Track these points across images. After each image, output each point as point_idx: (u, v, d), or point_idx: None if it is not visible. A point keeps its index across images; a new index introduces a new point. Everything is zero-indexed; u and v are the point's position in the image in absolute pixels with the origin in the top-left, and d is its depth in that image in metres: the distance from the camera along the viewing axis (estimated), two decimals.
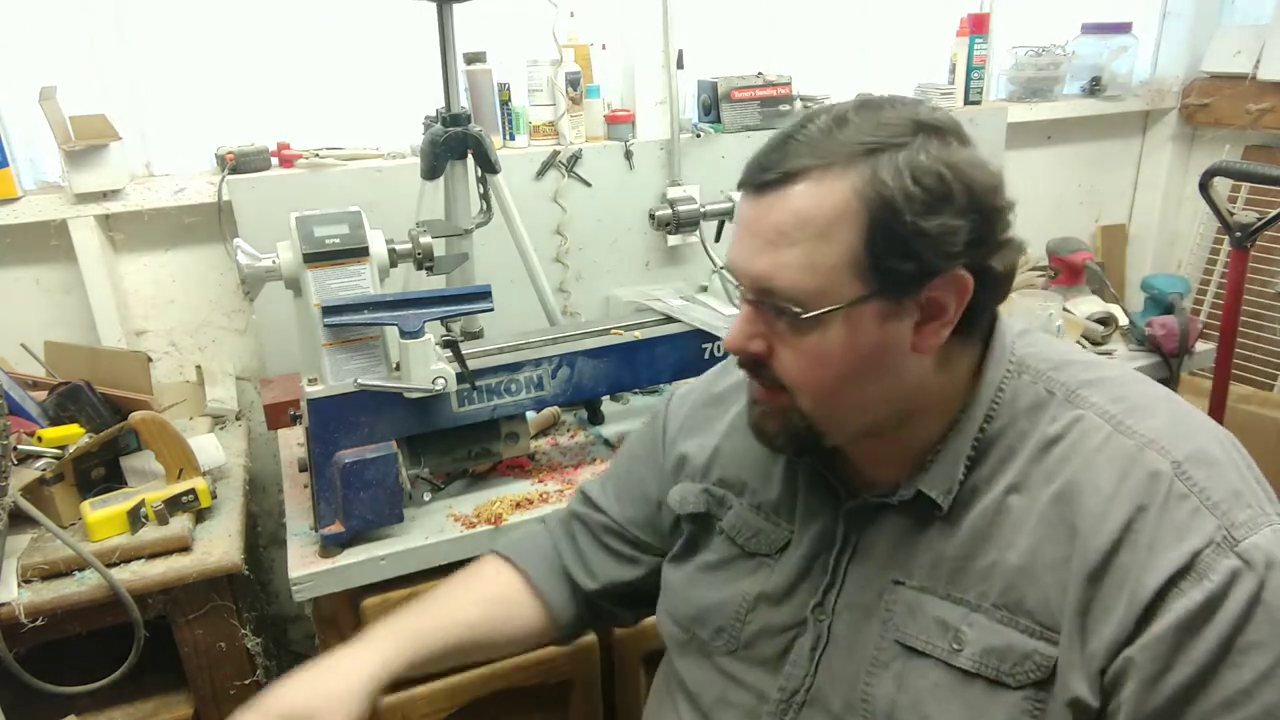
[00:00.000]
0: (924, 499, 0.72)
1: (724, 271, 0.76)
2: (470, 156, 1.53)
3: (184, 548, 1.28)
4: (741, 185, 0.69)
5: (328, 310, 1.17)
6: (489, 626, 0.95)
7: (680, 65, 1.92)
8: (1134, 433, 0.67)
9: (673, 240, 2.03)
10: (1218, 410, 1.89)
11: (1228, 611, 0.59)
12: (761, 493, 0.85)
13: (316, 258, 1.17)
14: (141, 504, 1.28)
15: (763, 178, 0.66)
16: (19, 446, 1.29)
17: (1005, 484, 0.69)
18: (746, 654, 0.82)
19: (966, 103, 2.28)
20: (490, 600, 0.98)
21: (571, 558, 1.01)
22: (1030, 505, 0.68)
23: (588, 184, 1.92)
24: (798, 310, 0.65)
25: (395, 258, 1.27)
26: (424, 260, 1.30)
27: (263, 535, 1.87)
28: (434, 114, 1.54)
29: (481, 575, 1.01)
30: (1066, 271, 2.08)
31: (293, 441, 1.59)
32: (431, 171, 1.51)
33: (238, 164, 1.67)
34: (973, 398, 0.72)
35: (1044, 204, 2.59)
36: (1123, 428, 0.67)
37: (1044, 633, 0.65)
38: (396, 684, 1.30)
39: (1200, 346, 1.90)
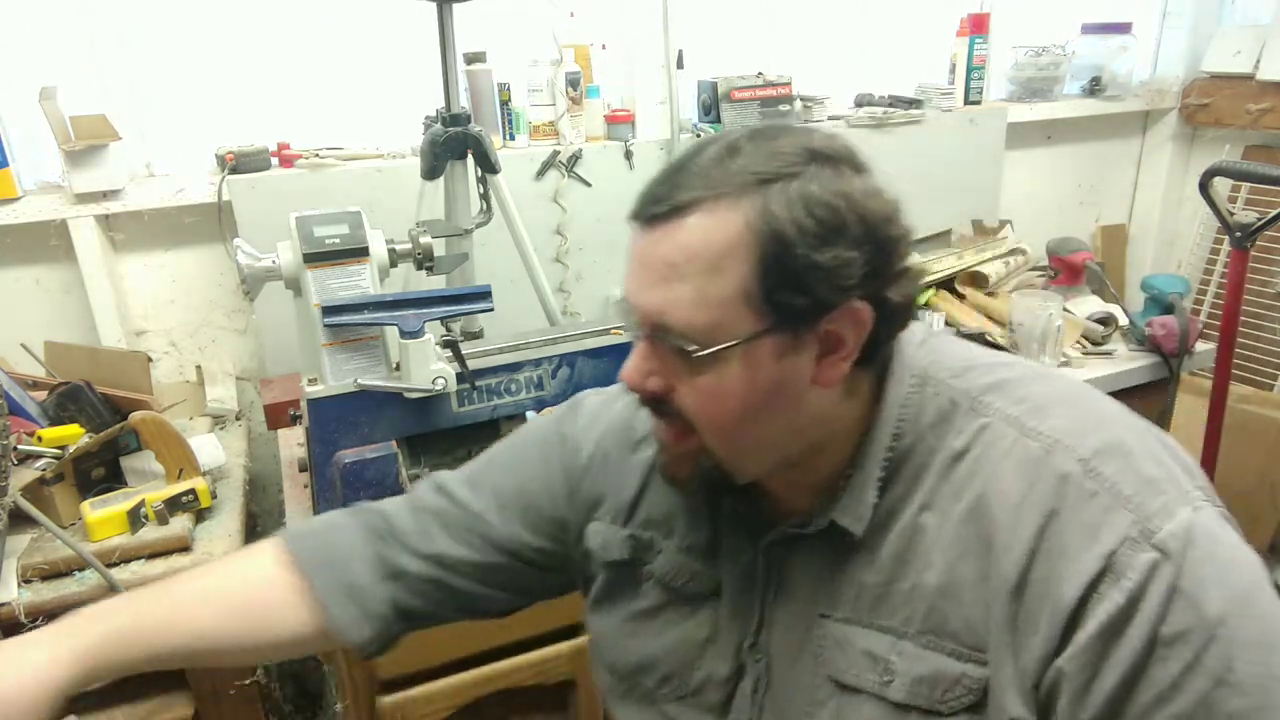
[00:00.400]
0: (836, 529, 0.69)
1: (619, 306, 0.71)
2: (470, 156, 1.54)
3: (184, 548, 1.28)
4: (632, 217, 0.65)
5: (328, 310, 1.17)
6: (231, 639, 0.81)
7: (680, 65, 1.92)
8: (1039, 434, 0.65)
9: None
10: (1218, 410, 1.89)
11: (1148, 606, 0.58)
12: (690, 534, 0.80)
13: (316, 258, 1.17)
14: (141, 504, 1.28)
15: (652, 210, 0.63)
16: (19, 446, 1.29)
17: (918, 503, 0.68)
18: (694, 700, 0.79)
19: (966, 103, 2.28)
20: (243, 608, 0.83)
21: (394, 539, 0.86)
22: (943, 523, 0.66)
23: (588, 184, 1.92)
24: (692, 348, 0.63)
25: (395, 258, 1.27)
26: (424, 260, 1.30)
27: (263, 535, 1.85)
28: (434, 114, 1.54)
29: (246, 573, 0.86)
30: (1066, 271, 2.08)
31: (293, 441, 1.59)
32: (431, 171, 1.51)
33: (238, 164, 1.67)
34: (876, 419, 0.69)
35: (1044, 204, 2.59)
36: (1027, 430, 0.65)
37: (971, 654, 0.64)
38: (396, 684, 1.31)
39: (1200, 346, 1.90)
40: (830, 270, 0.61)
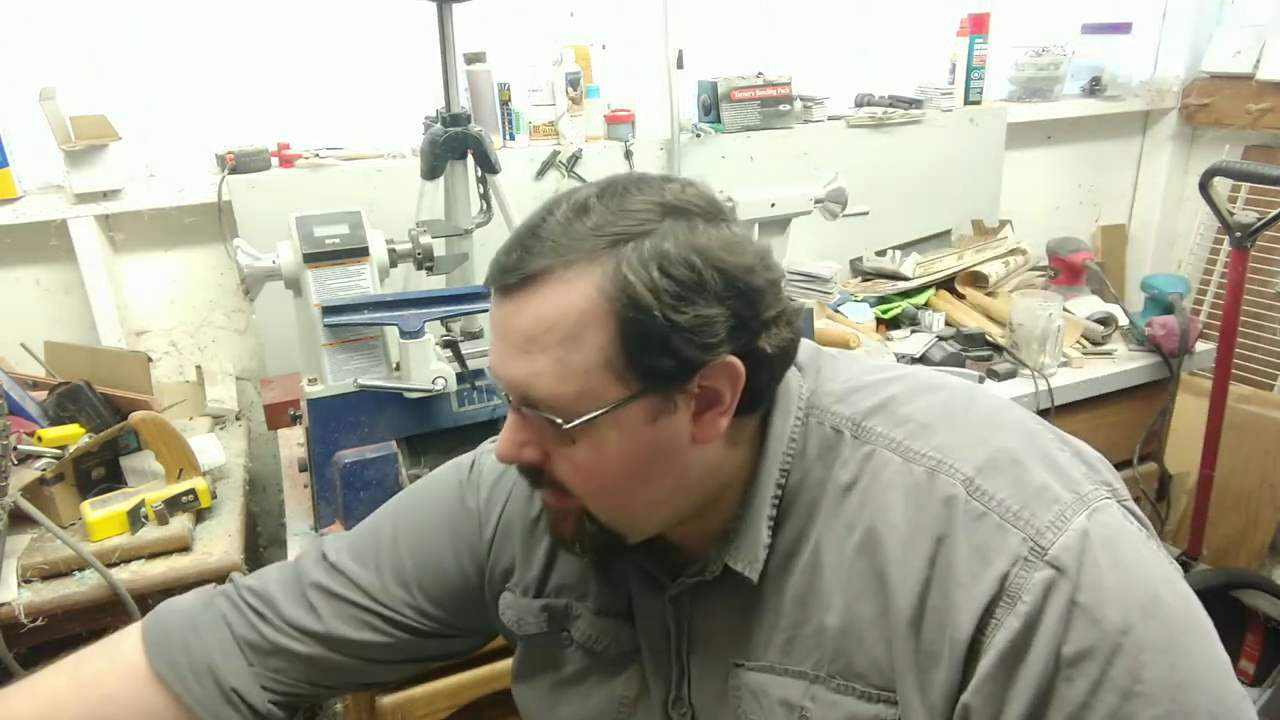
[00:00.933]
0: (734, 575, 0.67)
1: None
2: (470, 156, 1.54)
3: (184, 548, 1.28)
4: (487, 283, 0.63)
5: (328, 310, 1.17)
6: None
7: (680, 65, 1.92)
8: (923, 456, 0.63)
9: None
10: (1218, 410, 1.89)
11: (1046, 629, 0.55)
12: (605, 595, 0.78)
13: (316, 258, 1.17)
14: (141, 504, 1.28)
15: (504, 281, 0.61)
16: (19, 446, 1.29)
17: (814, 540, 0.66)
18: None
19: (966, 103, 2.28)
20: (98, 699, 0.75)
21: (274, 619, 0.80)
22: (839, 560, 0.64)
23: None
24: (559, 420, 0.60)
25: (395, 258, 1.27)
26: (424, 260, 1.30)
27: (263, 535, 1.87)
28: (434, 114, 1.54)
29: (97, 663, 0.78)
30: (1066, 271, 2.08)
31: (293, 441, 1.59)
32: (431, 171, 1.51)
33: (238, 164, 1.67)
34: (763, 458, 0.67)
35: (1044, 204, 2.59)
36: (911, 454, 0.63)
37: (880, 694, 0.62)
38: (395, 684, 1.30)
39: (1200, 346, 1.90)
40: (692, 330, 0.59)
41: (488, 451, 0.88)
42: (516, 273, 0.60)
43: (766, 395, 0.66)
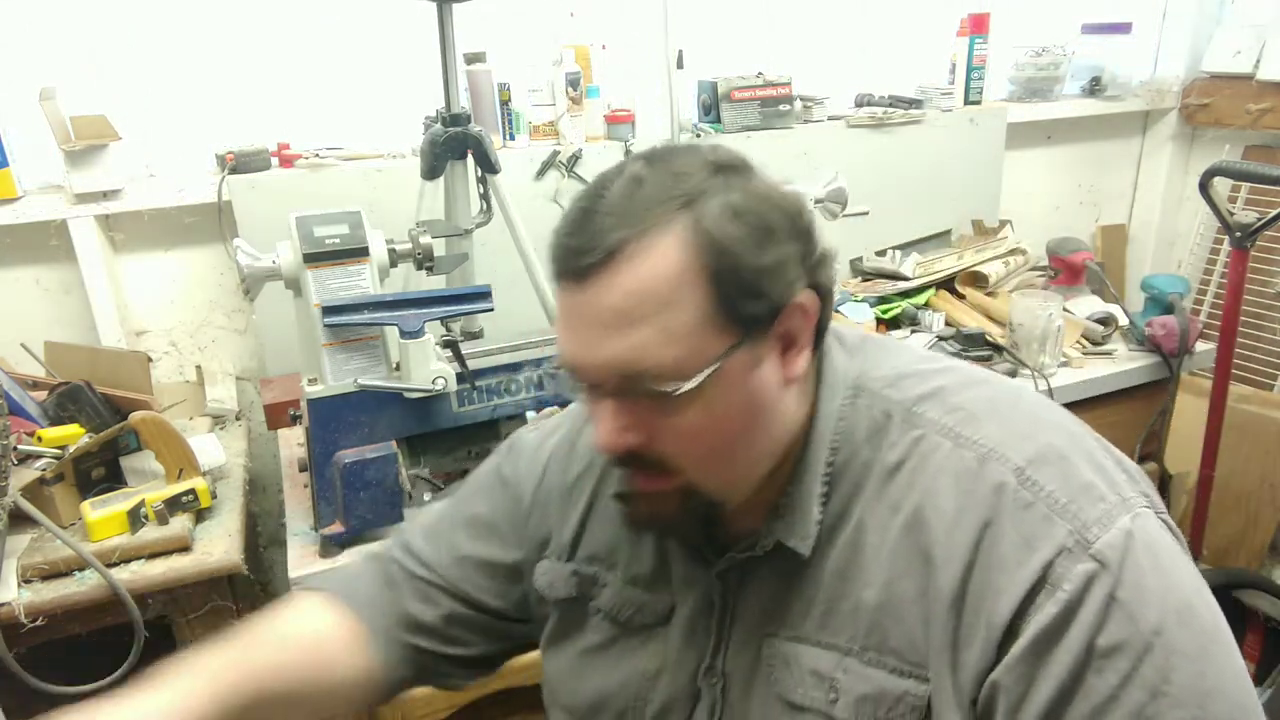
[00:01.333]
0: (784, 549, 0.68)
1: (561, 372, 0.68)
2: (470, 156, 1.54)
3: (184, 548, 1.28)
4: (557, 275, 0.63)
5: (328, 310, 1.17)
6: (305, 677, 0.78)
7: (680, 65, 1.92)
8: (973, 443, 0.64)
9: None
10: (1218, 410, 1.89)
11: (1084, 618, 0.57)
12: (635, 565, 0.78)
13: (316, 258, 1.17)
14: (141, 504, 1.28)
15: (581, 262, 0.60)
16: (19, 446, 1.29)
17: (857, 518, 0.67)
18: None
19: (966, 103, 2.28)
20: (311, 645, 0.80)
21: (402, 604, 0.86)
22: (882, 538, 0.65)
23: (587, 184, 1.92)
24: (671, 388, 0.60)
25: (395, 258, 1.27)
26: (424, 260, 1.30)
27: (263, 535, 1.87)
28: (434, 114, 1.54)
29: (300, 616, 0.83)
30: (1066, 271, 2.08)
31: (293, 441, 1.59)
32: (431, 171, 1.51)
33: (238, 164, 1.67)
34: (813, 433, 0.68)
35: (1044, 204, 2.59)
36: (962, 440, 0.64)
37: (913, 671, 0.63)
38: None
39: (1200, 346, 1.90)
40: (774, 270, 0.61)
41: (524, 431, 0.91)
42: (594, 251, 0.59)
43: (825, 333, 0.69)
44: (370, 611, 0.83)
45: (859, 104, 2.23)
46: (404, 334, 1.20)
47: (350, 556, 1.22)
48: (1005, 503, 0.61)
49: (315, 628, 0.81)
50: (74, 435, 1.37)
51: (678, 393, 0.60)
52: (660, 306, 0.59)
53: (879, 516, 0.66)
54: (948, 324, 1.91)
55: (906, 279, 2.04)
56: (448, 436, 1.33)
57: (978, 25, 2.21)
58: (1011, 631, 0.59)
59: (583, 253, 0.60)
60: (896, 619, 0.64)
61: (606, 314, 0.60)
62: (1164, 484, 2.01)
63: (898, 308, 1.96)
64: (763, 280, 0.61)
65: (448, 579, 0.85)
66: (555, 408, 1.59)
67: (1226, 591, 1.86)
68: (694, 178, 0.61)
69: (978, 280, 2.04)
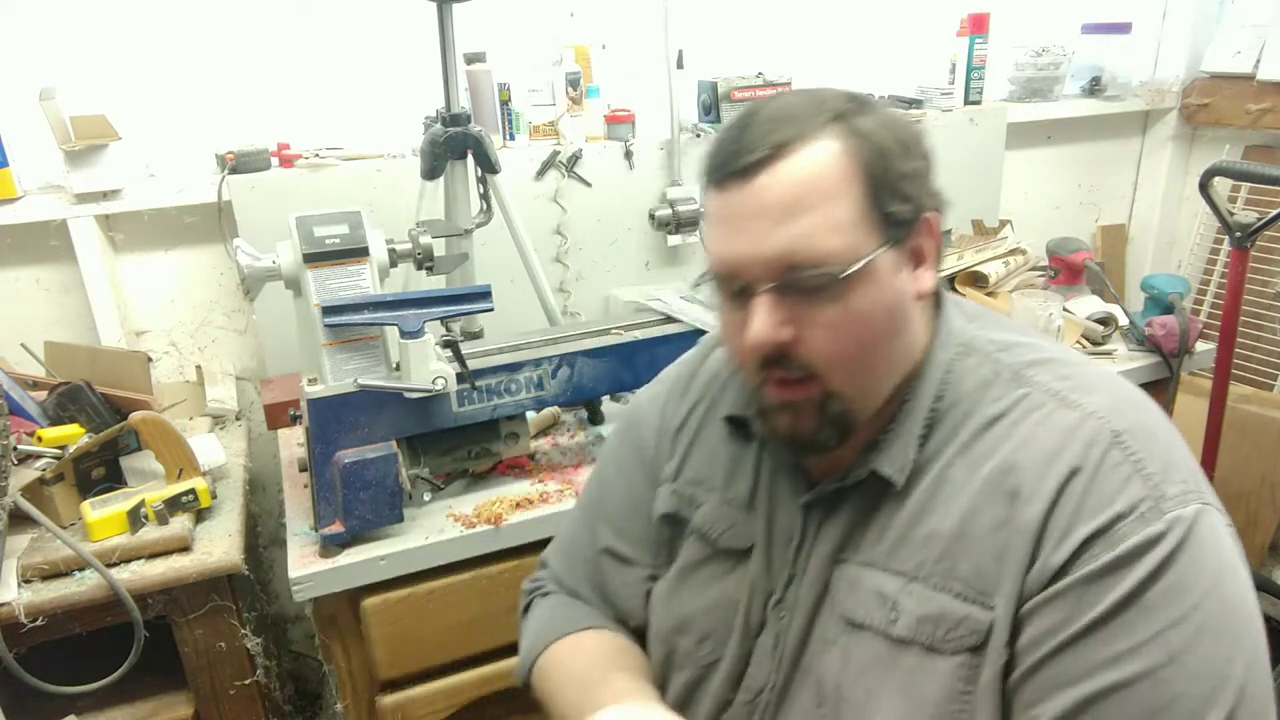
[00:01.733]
0: (876, 479, 0.72)
1: (707, 279, 0.73)
2: (470, 156, 1.54)
3: (184, 548, 1.28)
4: (718, 177, 0.68)
5: (328, 310, 1.17)
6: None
7: (680, 65, 1.92)
8: (1077, 406, 0.67)
9: (673, 240, 2.03)
10: (1217, 410, 1.89)
11: (1135, 573, 0.60)
12: (733, 486, 0.84)
13: (316, 258, 1.17)
14: (141, 504, 1.28)
15: (749, 159, 0.65)
16: (19, 446, 1.29)
17: (947, 458, 0.71)
18: (724, 660, 0.80)
19: (966, 103, 2.28)
20: (622, 654, 0.89)
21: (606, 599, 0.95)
22: (970, 477, 0.69)
23: (588, 184, 1.92)
24: (835, 271, 0.65)
25: (395, 258, 1.27)
26: (424, 260, 1.30)
27: (263, 535, 1.87)
28: (434, 114, 1.54)
29: (597, 648, 0.90)
30: (1066, 271, 2.08)
31: (293, 441, 1.59)
32: (431, 171, 1.51)
33: (238, 164, 1.67)
34: (921, 380, 0.73)
35: (1044, 204, 2.59)
36: (1066, 401, 0.68)
37: (977, 597, 0.66)
38: (396, 684, 1.31)
39: (1200, 346, 1.90)
40: (917, 178, 0.68)
41: (637, 395, 0.99)
42: (760, 149, 0.65)
43: (942, 255, 0.75)
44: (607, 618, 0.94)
45: None
46: (404, 334, 1.20)
47: (350, 557, 1.22)
48: (1094, 455, 0.64)
49: (609, 647, 0.90)
50: (74, 435, 1.37)
51: (843, 275, 0.65)
52: (824, 197, 0.65)
53: (971, 458, 0.70)
54: None
55: None
56: (448, 436, 1.33)
57: (978, 25, 2.21)
58: (1061, 572, 0.62)
59: (748, 151, 0.65)
60: (969, 548, 0.67)
61: (775, 205, 0.65)
62: None
63: None
64: (908, 185, 0.67)
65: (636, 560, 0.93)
66: (556, 408, 1.59)
67: None
68: (837, 101, 0.68)
69: (978, 280, 2.04)
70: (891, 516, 0.72)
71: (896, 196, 0.67)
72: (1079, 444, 0.65)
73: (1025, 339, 0.75)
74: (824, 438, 0.72)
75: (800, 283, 0.65)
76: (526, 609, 1.02)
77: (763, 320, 0.67)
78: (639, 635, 0.92)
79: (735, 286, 0.69)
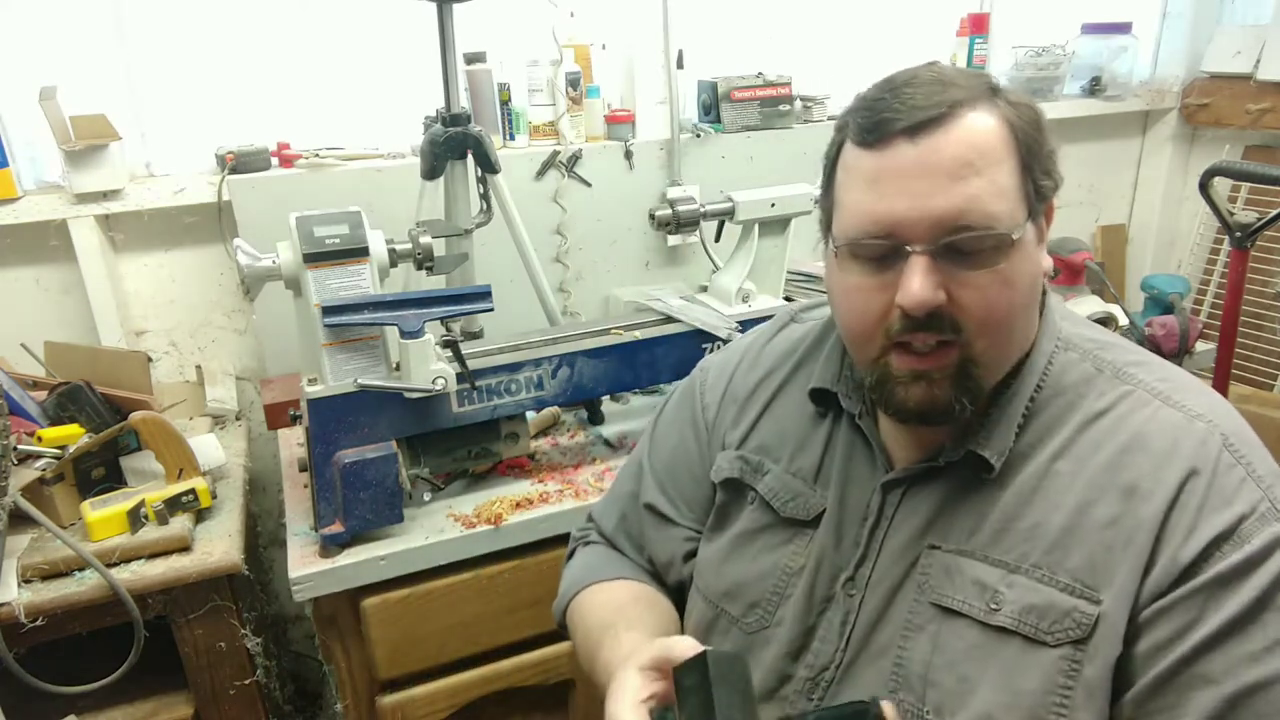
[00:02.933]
0: (969, 464, 0.72)
1: (857, 239, 0.69)
2: (470, 156, 1.53)
3: (184, 548, 1.28)
4: (876, 135, 0.67)
5: (328, 310, 1.17)
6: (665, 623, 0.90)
7: (680, 65, 1.92)
8: (1182, 406, 0.69)
9: (673, 240, 2.03)
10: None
11: (1265, 572, 0.61)
12: (800, 458, 0.84)
13: (316, 258, 1.17)
14: (141, 504, 1.28)
15: (920, 116, 0.65)
16: (19, 446, 1.29)
17: (1050, 451, 0.71)
18: (776, 631, 0.81)
19: None
20: (664, 613, 0.92)
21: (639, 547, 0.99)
22: (1078, 470, 0.69)
23: (588, 184, 1.92)
24: (1006, 232, 0.66)
25: (395, 258, 1.27)
26: (424, 260, 1.30)
27: (263, 535, 1.87)
28: (434, 114, 1.54)
29: (617, 592, 0.94)
30: (1066, 271, 2.08)
31: (293, 441, 1.59)
32: (431, 171, 1.51)
33: (238, 164, 1.67)
34: (1026, 366, 0.74)
35: None
36: (1171, 402, 0.70)
37: (1085, 591, 0.66)
38: (396, 684, 1.31)
39: (1200, 346, 1.90)
40: (1053, 157, 0.71)
41: (710, 358, 1.00)
42: (932, 108, 0.65)
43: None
44: (636, 569, 0.98)
45: None
46: (404, 334, 1.20)
47: (350, 557, 1.22)
48: (1211, 456, 0.66)
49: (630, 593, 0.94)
50: (74, 435, 1.36)
51: (1014, 236, 0.66)
52: (992, 162, 0.66)
53: (1077, 452, 0.70)
54: None
55: None
56: (448, 436, 1.33)
57: (978, 25, 2.21)
58: (1191, 570, 0.63)
59: (918, 109, 0.65)
60: (1080, 542, 0.67)
61: (948, 163, 0.65)
62: None
63: None
64: (1050, 161, 0.70)
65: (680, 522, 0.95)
66: (556, 408, 1.59)
67: None
68: (987, 77, 0.70)
69: None
70: (987, 505, 0.72)
71: (1042, 171, 0.69)
72: (1193, 443, 0.66)
73: (1118, 340, 0.77)
74: (959, 407, 0.70)
75: (967, 244, 0.65)
76: (571, 554, 1.05)
77: (920, 282, 0.66)
78: (677, 591, 0.95)
79: (883, 249, 0.68)
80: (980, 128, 0.66)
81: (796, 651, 0.79)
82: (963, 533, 0.72)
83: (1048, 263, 0.74)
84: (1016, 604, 0.68)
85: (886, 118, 0.66)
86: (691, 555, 0.93)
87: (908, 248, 0.66)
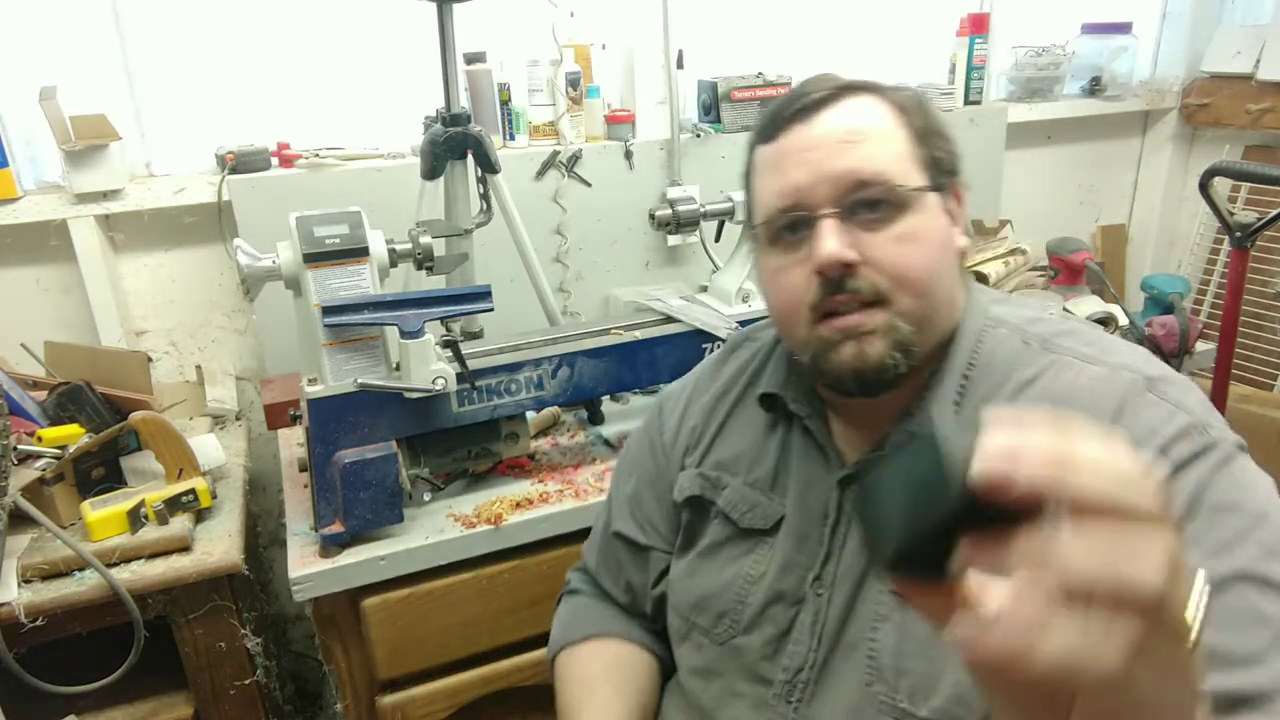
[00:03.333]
0: None
1: (769, 219, 0.76)
2: (470, 156, 1.53)
3: (184, 548, 1.28)
4: (774, 127, 0.75)
5: (328, 310, 1.17)
6: (642, 700, 0.93)
7: (680, 65, 1.92)
8: (1105, 362, 0.72)
9: (673, 240, 2.03)
10: (1218, 410, 1.89)
11: (1191, 475, 0.64)
12: (756, 469, 0.86)
13: (316, 258, 1.17)
14: (141, 504, 1.28)
15: (812, 98, 0.73)
16: (19, 446, 1.29)
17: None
18: (746, 639, 0.82)
19: (966, 103, 2.28)
20: (627, 682, 0.95)
21: (625, 588, 1.01)
22: None
23: (588, 184, 1.92)
24: (899, 186, 0.71)
25: (395, 258, 1.27)
26: (424, 260, 1.30)
27: (263, 535, 1.87)
28: (434, 114, 1.54)
29: (589, 663, 0.98)
30: (1066, 271, 2.08)
31: (293, 441, 1.59)
32: (431, 171, 1.51)
33: (238, 164, 1.67)
34: (954, 347, 0.76)
35: (1044, 204, 2.59)
36: (1096, 360, 0.72)
37: None
38: (396, 684, 1.31)
39: (1200, 346, 1.90)
40: (945, 135, 0.76)
41: (667, 388, 1.04)
42: (822, 90, 0.74)
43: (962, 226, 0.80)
44: (616, 621, 1.01)
45: None
46: (404, 334, 1.20)
47: (350, 557, 1.22)
48: (1134, 395, 0.69)
49: (608, 660, 0.97)
50: (74, 435, 1.36)
51: (907, 189, 0.71)
52: (882, 132, 0.73)
53: None
54: None
55: None
56: (448, 436, 1.33)
57: (978, 25, 2.21)
58: None
59: (810, 94, 0.73)
60: None
61: (840, 132, 0.72)
62: None
63: None
64: (941, 138, 0.76)
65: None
66: (556, 408, 1.59)
67: None
68: (871, 80, 0.77)
69: (978, 280, 2.04)
70: None
71: (936, 144, 0.75)
72: (1117, 388, 0.69)
73: (1050, 315, 0.79)
74: (891, 364, 0.72)
75: (868, 200, 0.71)
76: (559, 600, 1.10)
77: (831, 242, 0.70)
78: (656, 612, 0.96)
79: (792, 220, 0.73)
80: (867, 106, 0.73)
81: (771, 655, 0.80)
82: None
83: (964, 241, 0.77)
84: None
85: (779, 110, 0.75)
86: (665, 574, 0.95)
87: (815, 215, 0.72)
